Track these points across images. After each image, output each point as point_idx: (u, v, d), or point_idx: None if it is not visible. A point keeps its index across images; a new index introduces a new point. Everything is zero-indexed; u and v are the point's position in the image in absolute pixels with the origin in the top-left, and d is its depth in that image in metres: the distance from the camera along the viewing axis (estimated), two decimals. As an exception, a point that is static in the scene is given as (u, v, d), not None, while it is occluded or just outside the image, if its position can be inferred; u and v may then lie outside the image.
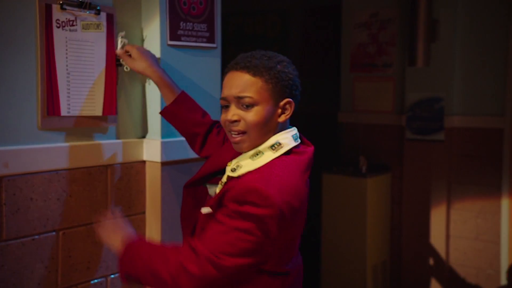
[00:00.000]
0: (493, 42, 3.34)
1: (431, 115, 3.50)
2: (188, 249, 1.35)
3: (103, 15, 1.78)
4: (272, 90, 1.42)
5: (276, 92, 1.42)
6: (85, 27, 1.73)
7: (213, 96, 2.07)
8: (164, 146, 1.91)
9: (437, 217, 3.50)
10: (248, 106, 1.41)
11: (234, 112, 1.41)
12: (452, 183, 3.49)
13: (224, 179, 1.47)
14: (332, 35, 4.60)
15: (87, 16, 1.74)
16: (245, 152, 1.44)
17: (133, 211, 1.94)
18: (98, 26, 1.76)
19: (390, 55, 3.72)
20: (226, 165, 1.49)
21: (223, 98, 1.44)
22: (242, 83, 1.41)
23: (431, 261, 3.53)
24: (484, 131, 3.38)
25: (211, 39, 2.06)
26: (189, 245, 1.35)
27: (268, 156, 1.41)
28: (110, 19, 1.80)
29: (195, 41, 2.00)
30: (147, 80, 1.93)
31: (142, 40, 1.93)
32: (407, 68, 3.54)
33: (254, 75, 1.41)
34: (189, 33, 1.98)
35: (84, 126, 1.77)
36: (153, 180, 1.94)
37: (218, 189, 1.50)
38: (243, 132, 1.42)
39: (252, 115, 1.40)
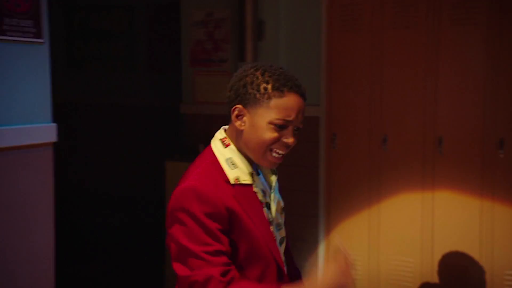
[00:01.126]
0: (309, 40, 3.82)
1: (261, 106, 3.92)
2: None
3: None
4: None
5: None
6: None
7: (41, 90, 2.21)
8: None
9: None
10: (298, 130, 1.53)
11: (294, 136, 1.50)
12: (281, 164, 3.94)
13: (274, 181, 1.64)
14: (174, 31, 4.87)
15: None
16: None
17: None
18: None
19: (225, 51, 4.08)
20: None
21: (288, 121, 1.47)
22: (303, 111, 1.51)
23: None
24: (304, 119, 3.86)
25: (38, 35, 2.20)
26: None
27: None
28: None
29: (21, 36, 2.14)
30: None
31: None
32: (239, 63, 3.92)
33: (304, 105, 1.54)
34: (15, 28, 2.11)
35: None
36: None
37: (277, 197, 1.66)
38: (285, 153, 1.52)
39: (297, 138, 1.52)
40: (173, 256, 1.46)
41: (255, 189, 1.53)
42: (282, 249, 1.63)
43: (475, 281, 3.30)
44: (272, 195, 1.60)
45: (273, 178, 1.62)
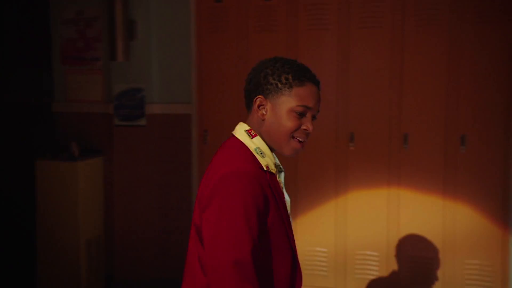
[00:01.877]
0: (180, 39, 3.96)
1: (134, 104, 4.00)
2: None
3: None
4: None
5: None
6: None
7: None
8: None
9: (148, 192, 4.02)
10: (314, 118, 1.59)
11: (312, 124, 1.56)
12: (157, 162, 4.04)
13: (283, 178, 1.65)
14: (45, 28, 4.76)
15: None
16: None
17: None
18: None
19: (97, 50, 4.10)
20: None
21: (308, 107, 1.55)
22: (319, 100, 1.58)
23: (145, 232, 4.05)
24: (177, 117, 4.01)
25: None
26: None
27: None
28: None
29: None
30: None
31: None
32: (111, 62, 3.96)
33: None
34: None
35: None
36: None
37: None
38: (304, 141, 1.58)
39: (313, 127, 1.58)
40: (209, 240, 1.46)
41: (279, 179, 1.61)
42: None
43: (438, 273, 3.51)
44: (284, 190, 1.65)
45: (282, 175, 1.66)
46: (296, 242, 1.67)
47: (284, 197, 1.60)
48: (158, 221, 4.04)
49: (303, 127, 1.54)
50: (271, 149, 1.60)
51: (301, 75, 1.55)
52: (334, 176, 3.64)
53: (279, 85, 1.54)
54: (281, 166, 1.64)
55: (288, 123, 1.53)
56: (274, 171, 1.57)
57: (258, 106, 1.57)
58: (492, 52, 3.33)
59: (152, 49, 3.97)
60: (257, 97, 1.57)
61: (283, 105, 1.54)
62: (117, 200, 4.08)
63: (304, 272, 3.24)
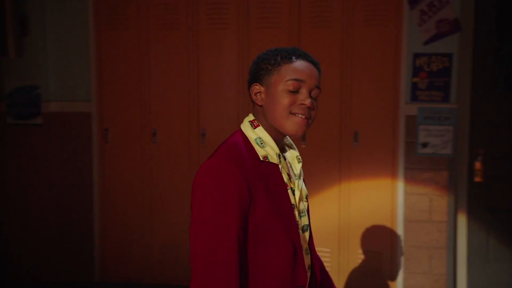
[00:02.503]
0: (78, 36, 3.84)
1: (29, 102, 3.83)
2: None
3: None
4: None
5: None
6: None
7: None
8: None
9: (42, 191, 3.88)
10: (315, 99, 1.57)
11: (311, 99, 1.54)
12: (56, 161, 3.91)
13: (299, 169, 1.64)
14: None
15: None
16: (299, 137, 1.61)
17: None
18: None
19: (-14, 45, 3.87)
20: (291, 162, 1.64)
21: (299, 80, 1.52)
22: (317, 75, 1.57)
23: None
24: (77, 115, 3.90)
25: None
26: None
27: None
28: None
29: None
30: None
31: None
32: (2, 58, 3.76)
33: (319, 75, 1.59)
34: None
35: None
36: None
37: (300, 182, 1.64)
38: (308, 118, 1.54)
39: (316, 107, 1.57)
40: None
41: (281, 170, 1.57)
42: (305, 236, 1.63)
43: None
44: (297, 181, 1.62)
45: (298, 166, 1.65)
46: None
47: (285, 188, 1.56)
48: (56, 223, 3.93)
49: (300, 101, 1.53)
50: (277, 139, 1.60)
51: (290, 53, 1.56)
52: (140, 173, 3.74)
53: (269, 67, 1.56)
54: (299, 157, 1.67)
55: (282, 100, 1.52)
56: (275, 161, 1.55)
57: (255, 94, 1.59)
58: (380, 53, 3.55)
59: (47, 45, 3.82)
60: (252, 85, 1.60)
61: (276, 84, 1.54)
62: (11, 203, 3.91)
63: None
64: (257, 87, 1.58)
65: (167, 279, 3.86)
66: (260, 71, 1.58)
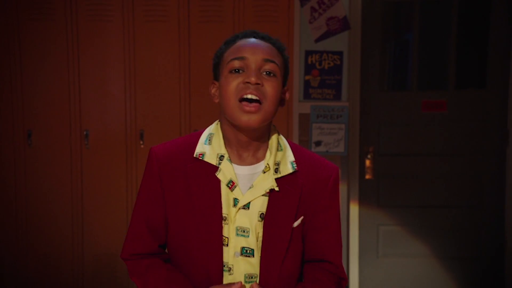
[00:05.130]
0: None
1: None
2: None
3: None
4: (284, 73, 1.39)
5: (284, 76, 1.40)
6: None
7: None
8: None
9: None
10: (270, 74, 1.35)
11: (257, 76, 1.32)
12: None
13: (268, 186, 1.37)
14: None
15: None
16: (256, 126, 1.34)
17: None
18: None
19: None
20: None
21: (239, 58, 1.34)
22: (268, 49, 1.37)
23: None
24: None
25: None
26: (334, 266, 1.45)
27: (285, 141, 1.46)
28: None
29: None
30: None
31: None
32: None
33: (278, 49, 1.39)
34: None
35: None
36: None
37: (262, 201, 1.38)
38: (259, 101, 1.32)
39: (272, 84, 1.34)
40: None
41: (218, 174, 1.37)
42: (234, 258, 1.37)
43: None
44: (248, 192, 1.37)
45: (269, 181, 1.37)
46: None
47: (215, 194, 1.36)
48: None
49: (245, 80, 1.33)
50: (238, 140, 1.40)
51: (231, 39, 1.42)
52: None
53: (217, 60, 1.44)
54: (277, 168, 1.39)
55: (227, 85, 1.35)
56: (213, 162, 1.38)
57: (213, 92, 1.46)
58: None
59: None
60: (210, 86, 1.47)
61: (222, 73, 1.39)
62: None
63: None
64: (213, 85, 1.46)
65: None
66: (214, 68, 1.46)
